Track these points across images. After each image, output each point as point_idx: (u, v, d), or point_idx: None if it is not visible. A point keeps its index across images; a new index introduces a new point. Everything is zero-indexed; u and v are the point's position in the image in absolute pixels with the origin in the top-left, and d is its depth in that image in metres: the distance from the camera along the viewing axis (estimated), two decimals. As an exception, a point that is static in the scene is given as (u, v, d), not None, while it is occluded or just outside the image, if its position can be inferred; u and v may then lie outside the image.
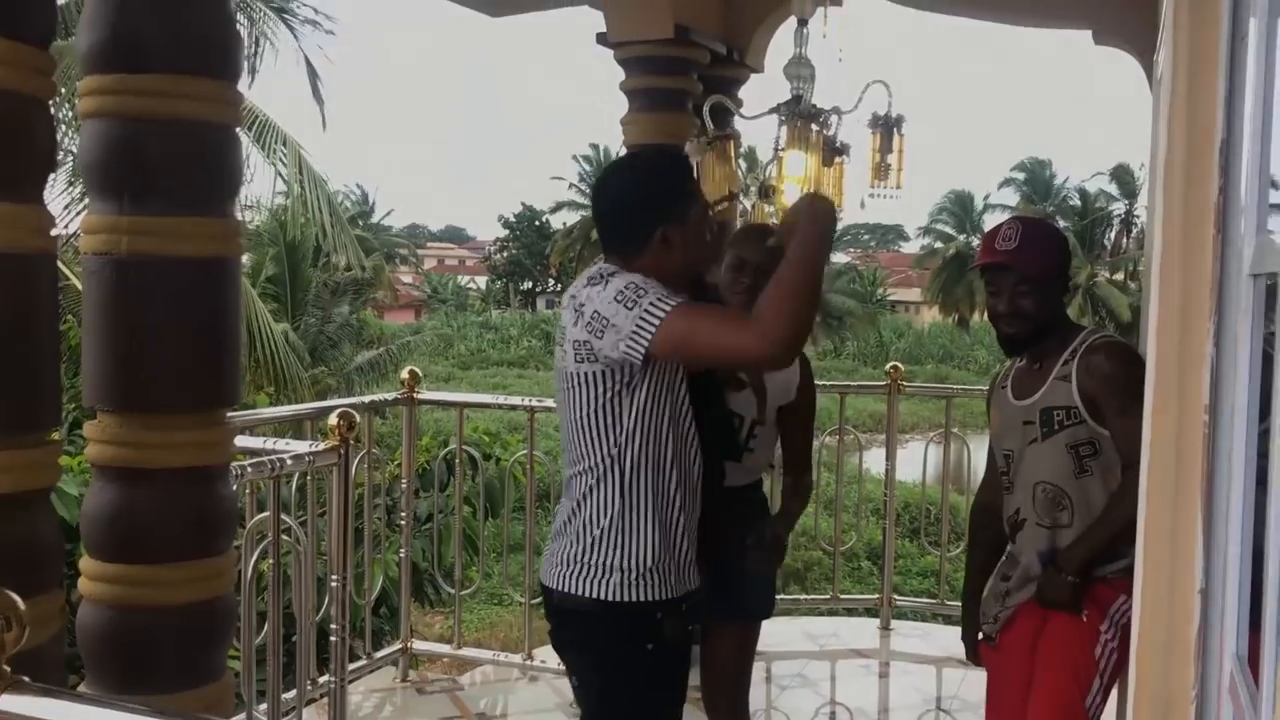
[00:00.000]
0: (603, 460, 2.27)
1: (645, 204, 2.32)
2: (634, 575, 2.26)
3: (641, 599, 2.26)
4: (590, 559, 2.28)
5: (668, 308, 2.13)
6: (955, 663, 4.98)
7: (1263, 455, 1.27)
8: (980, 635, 2.89)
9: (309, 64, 12.44)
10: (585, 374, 2.25)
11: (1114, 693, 2.74)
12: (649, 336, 2.13)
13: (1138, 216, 39.06)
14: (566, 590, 2.31)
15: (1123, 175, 41.35)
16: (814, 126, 3.24)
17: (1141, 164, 38.76)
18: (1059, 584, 2.59)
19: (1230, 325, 1.57)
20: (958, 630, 5.35)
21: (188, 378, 2.61)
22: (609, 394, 2.24)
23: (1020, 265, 2.66)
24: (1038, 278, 2.67)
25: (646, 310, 2.13)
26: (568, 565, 2.31)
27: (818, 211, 2.20)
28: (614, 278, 2.21)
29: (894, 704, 4.66)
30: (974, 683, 4.47)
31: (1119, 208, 41.49)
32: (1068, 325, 2.75)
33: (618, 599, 2.26)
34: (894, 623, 5.46)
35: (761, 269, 2.80)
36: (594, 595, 2.26)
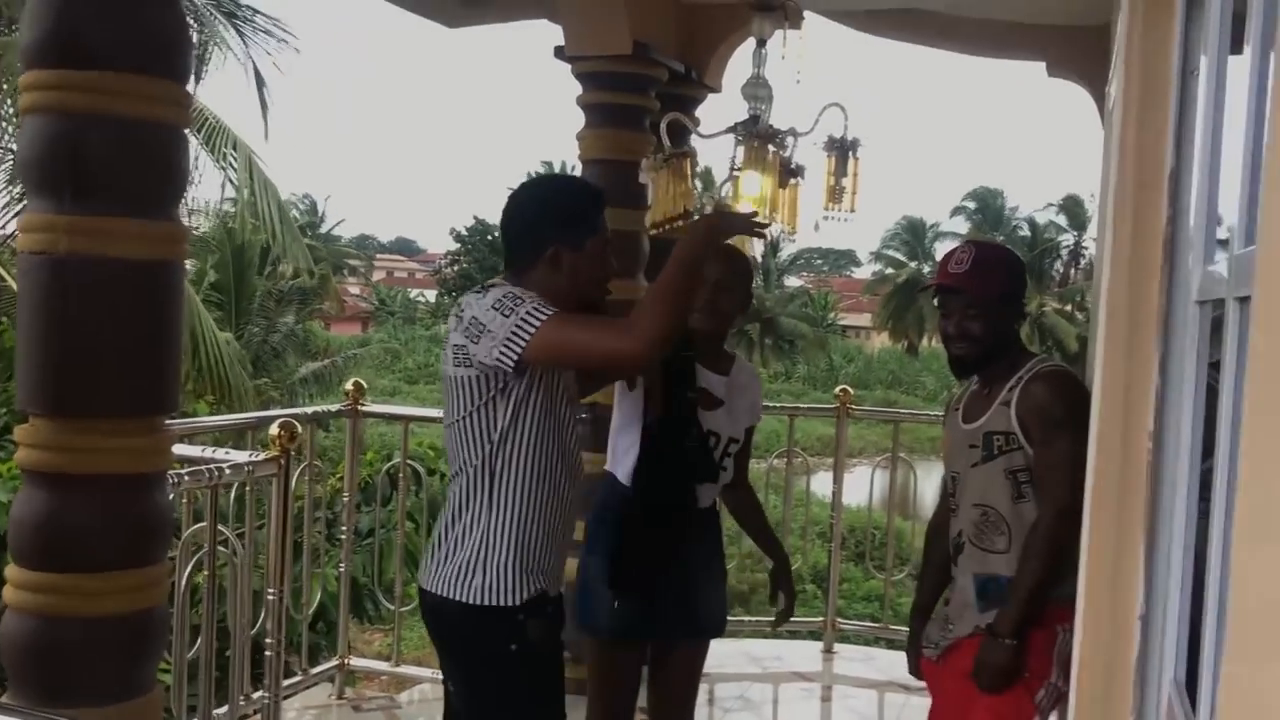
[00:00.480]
0: (474, 464, 2.34)
1: (544, 220, 2.40)
2: (496, 578, 2.31)
3: (504, 602, 2.31)
4: (458, 561, 2.34)
5: (543, 316, 2.20)
6: (897, 687, 4.99)
7: (1205, 486, 1.27)
8: (923, 653, 2.90)
9: (257, 72, 12.27)
10: (462, 378, 2.31)
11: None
12: (522, 343, 2.21)
13: (1086, 248, 39.75)
14: (435, 591, 2.37)
15: (1072, 207, 42.09)
16: (771, 147, 3.25)
17: (1091, 194, 39.55)
18: (998, 648, 2.56)
19: (1177, 354, 1.59)
20: (901, 655, 5.39)
21: (125, 382, 2.54)
22: (483, 399, 2.31)
23: (970, 289, 2.69)
24: (986, 302, 2.68)
25: (522, 318, 2.20)
26: (439, 567, 2.37)
27: (703, 224, 2.37)
28: (496, 288, 2.29)
29: (835, 728, 4.65)
30: (916, 708, 4.47)
31: (1068, 239, 42.22)
32: (1019, 351, 2.77)
33: (480, 601, 2.31)
34: (837, 646, 5.46)
35: (720, 285, 2.83)
36: (460, 597, 2.32)
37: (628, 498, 2.88)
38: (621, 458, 2.90)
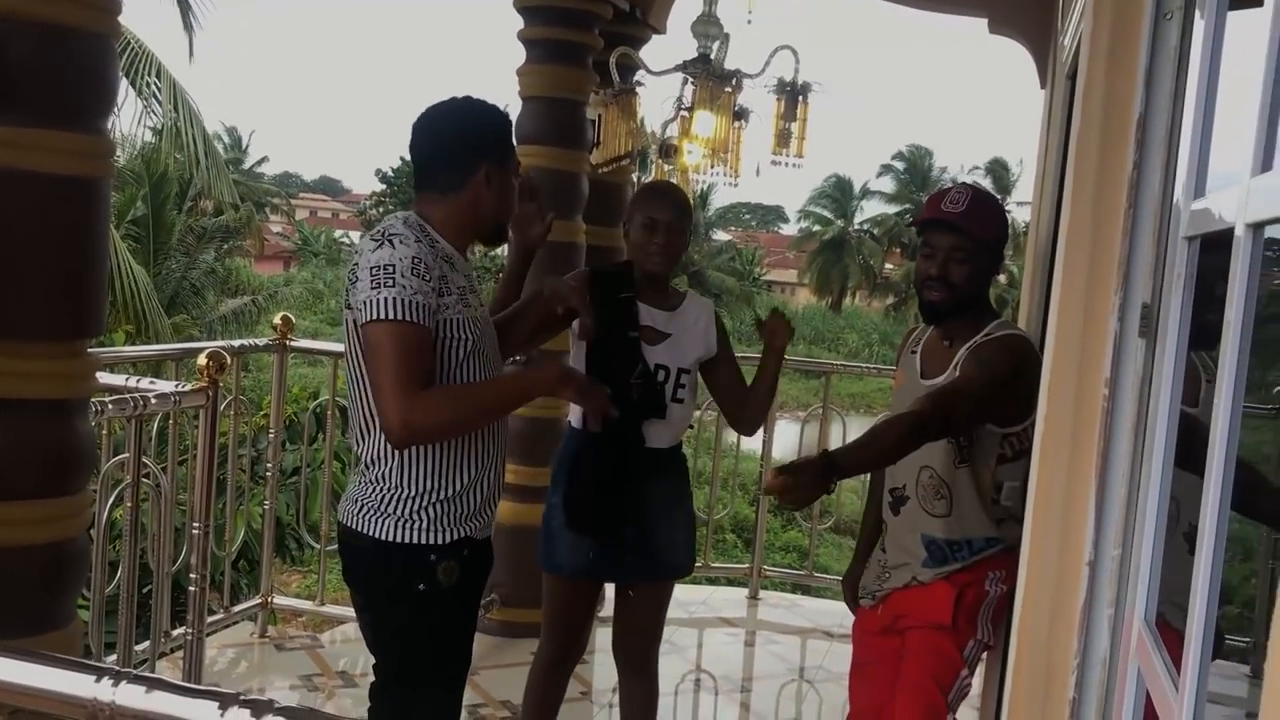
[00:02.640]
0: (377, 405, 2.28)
1: (472, 140, 2.33)
2: (408, 517, 2.29)
3: (414, 540, 2.29)
4: (371, 498, 2.31)
5: (388, 315, 2.14)
6: (820, 633, 5.07)
7: (1188, 431, 1.28)
8: (860, 602, 2.91)
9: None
10: (349, 319, 2.26)
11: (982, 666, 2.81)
12: (363, 319, 2.17)
13: (1009, 212, 40.30)
14: (349, 526, 2.35)
15: (998, 170, 42.68)
16: (726, 88, 3.19)
17: (1021, 160, 40.12)
18: (819, 472, 2.24)
19: (1134, 300, 1.59)
20: (823, 602, 5.49)
21: (47, 303, 2.42)
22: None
23: (964, 228, 2.60)
24: (975, 246, 2.61)
25: (376, 301, 2.15)
26: (354, 503, 2.34)
27: (559, 376, 2.43)
28: (390, 245, 2.19)
29: (759, 672, 4.71)
30: (838, 654, 4.55)
31: (990, 202, 42.73)
32: (985, 310, 2.71)
33: (391, 538, 2.29)
34: (762, 593, 5.53)
35: (671, 227, 2.82)
36: (371, 533, 2.30)
37: (577, 439, 2.92)
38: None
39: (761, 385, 3.03)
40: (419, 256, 2.18)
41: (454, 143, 2.33)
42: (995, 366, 2.54)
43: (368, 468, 2.34)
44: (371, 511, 2.31)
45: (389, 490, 2.30)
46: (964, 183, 2.95)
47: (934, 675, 2.64)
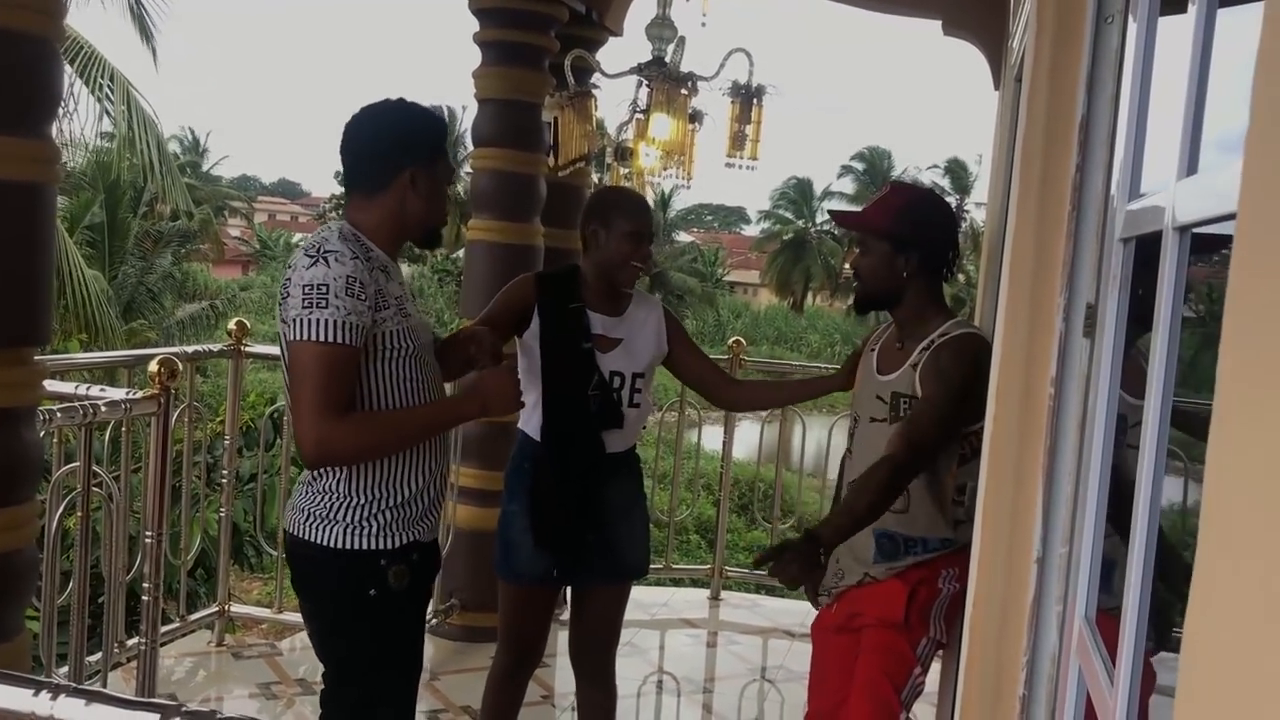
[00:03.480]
0: None
1: (399, 142, 2.32)
2: (358, 524, 2.28)
3: (365, 547, 2.28)
4: (319, 506, 2.29)
5: (318, 337, 2.12)
6: (781, 633, 5.09)
7: (1121, 433, 1.29)
8: (818, 600, 2.92)
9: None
10: (284, 332, 2.23)
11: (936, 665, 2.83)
12: (289, 339, 2.16)
13: (968, 211, 40.68)
14: (297, 535, 2.33)
15: (957, 170, 43.01)
16: (683, 91, 3.20)
17: (980, 156, 40.46)
18: (810, 552, 2.40)
19: (1079, 300, 1.61)
20: (785, 602, 5.51)
21: (-9, 311, 2.39)
22: None
23: (860, 224, 2.70)
24: (869, 239, 2.68)
25: (308, 321, 2.13)
26: (301, 511, 2.33)
27: (461, 412, 2.51)
28: (325, 263, 2.16)
29: (720, 673, 4.71)
30: (799, 654, 4.57)
31: (950, 202, 43.08)
32: (937, 309, 2.71)
33: (341, 545, 2.28)
34: (724, 594, 5.54)
35: (643, 235, 2.85)
36: (321, 541, 2.29)
37: (539, 453, 2.90)
38: (529, 415, 2.90)
39: (790, 393, 3.11)
40: (354, 275, 2.16)
41: (380, 144, 2.31)
42: (952, 379, 2.55)
43: (315, 478, 2.32)
44: (320, 520, 2.29)
45: (337, 499, 2.28)
46: (897, 181, 3.01)
47: (887, 672, 2.65)
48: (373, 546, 2.28)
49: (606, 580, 3.01)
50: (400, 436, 2.29)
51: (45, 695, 1.10)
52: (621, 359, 2.90)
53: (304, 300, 2.14)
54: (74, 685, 1.09)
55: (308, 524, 2.31)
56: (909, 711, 2.71)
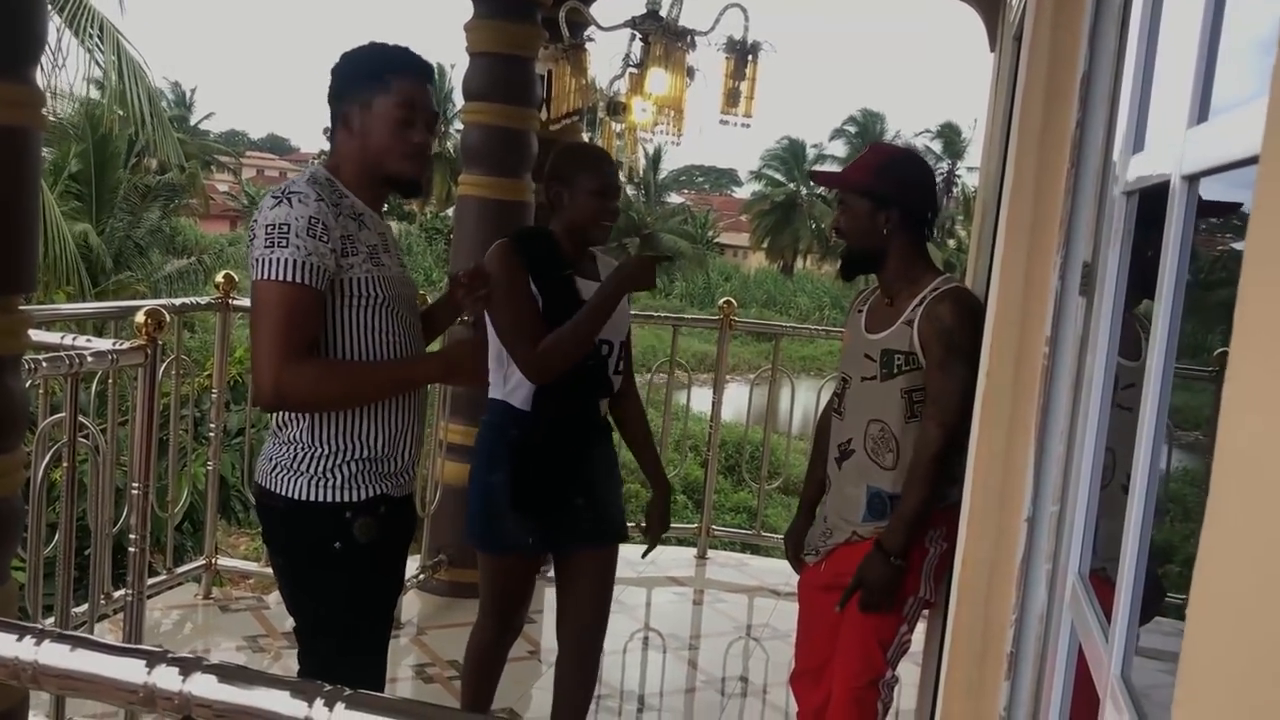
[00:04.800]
0: None
1: (341, 81, 2.30)
2: (322, 475, 2.26)
3: (329, 499, 2.26)
4: (284, 457, 2.28)
5: (277, 276, 2.11)
6: (767, 592, 5.11)
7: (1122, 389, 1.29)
8: (804, 559, 2.93)
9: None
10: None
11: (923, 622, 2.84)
12: (252, 277, 2.15)
13: (959, 176, 40.61)
14: (264, 486, 2.33)
15: (949, 134, 42.87)
16: (680, 45, 3.15)
17: (975, 119, 40.34)
18: (886, 567, 2.58)
19: (1076, 259, 1.60)
20: (771, 561, 5.53)
21: (-26, 258, 2.35)
22: None
23: (839, 182, 2.75)
24: (849, 197, 2.71)
25: (268, 260, 2.12)
26: (269, 461, 2.32)
27: (426, 372, 2.40)
28: (288, 203, 2.14)
29: (706, 630, 4.74)
30: (784, 612, 4.59)
31: (943, 166, 43.06)
32: (920, 269, 2.72)
33: (306, 497, 2.26)
34: (710, 553, 5.56)
35: (610, 189, 2.80)
36: (285, 492, 2.27)
37: (524, 420, 2.81)
38: (517, 386, 2.80)
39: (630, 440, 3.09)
40: (316, 216, 2.13)
41: (331, 88, 2.31)
42: (961, 345, 2.54)
43: (280, 428, 2.30)
44: (285, 470, 2.27)
45: (302, 449, 2.26)
46: (877, 143, 3.01)
47: (874, 631, 2.67)
48: (337, 499, 2.26)
49: (595, 543, 2.92)
50: (360, 388, 2.26)
51: (30, 640, 1.09)
52: (608, 328, 2.81)
53: (265, 240, 2.12)
54: (59, 630, 1.08)
55: (274, 474, 2.29)
56: (894, 669, 2.73)
